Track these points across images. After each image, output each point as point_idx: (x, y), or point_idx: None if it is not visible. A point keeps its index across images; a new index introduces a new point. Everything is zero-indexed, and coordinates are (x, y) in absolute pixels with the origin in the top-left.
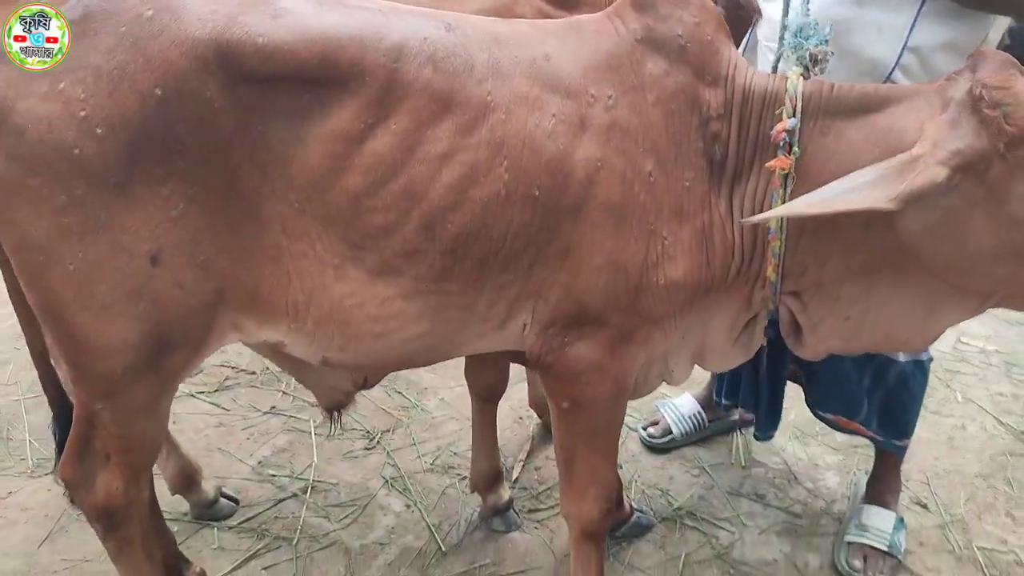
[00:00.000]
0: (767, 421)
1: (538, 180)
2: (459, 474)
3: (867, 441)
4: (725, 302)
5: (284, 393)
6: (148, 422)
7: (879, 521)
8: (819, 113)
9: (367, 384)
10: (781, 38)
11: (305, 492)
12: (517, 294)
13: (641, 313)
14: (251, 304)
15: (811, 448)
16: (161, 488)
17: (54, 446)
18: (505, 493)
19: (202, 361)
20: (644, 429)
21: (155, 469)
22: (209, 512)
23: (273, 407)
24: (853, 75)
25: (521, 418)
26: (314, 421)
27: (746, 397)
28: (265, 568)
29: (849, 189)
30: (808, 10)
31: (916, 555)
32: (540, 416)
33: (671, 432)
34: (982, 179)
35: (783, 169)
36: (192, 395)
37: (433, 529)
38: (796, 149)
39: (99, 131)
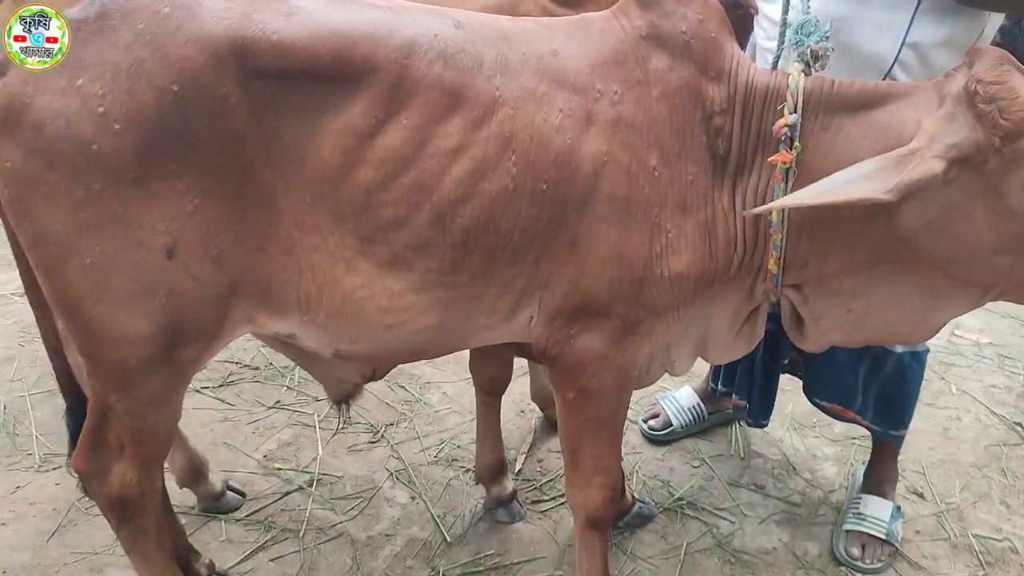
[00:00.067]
0: (760, 409)
1: (546, 174)
2: (463, 466)
3: (864, 432)
4: (727, 294)
5: (288, 388)
6: (162, 414)
7: (877, 510)
8: (820, 109)
9: (375, 376)
10: (781, 35)
11: (311, 485)
12: (524, 287)
13: (645, 305)
14: (264, 297)
15: (809, 439)
16: (169, 482)
17: (65, 439)
18: (509, 484)
19: (215, 354)
20: (644, 421)
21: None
22: (216, 505)
23: (278, 402)
24: (853, 71)
25: (523, 411)
26: (318, 415)
27: (741, 384)
28: (272, 560)
29: (848, 181)
30: (808, 7)
31: (913, 543)
32: (542, 409)
33: (671, 424)
34: (979, 173)
35: (785, 163)
36: (197, 390)
37: (438, 520)
38: (797, 144)
39: (117, 127)
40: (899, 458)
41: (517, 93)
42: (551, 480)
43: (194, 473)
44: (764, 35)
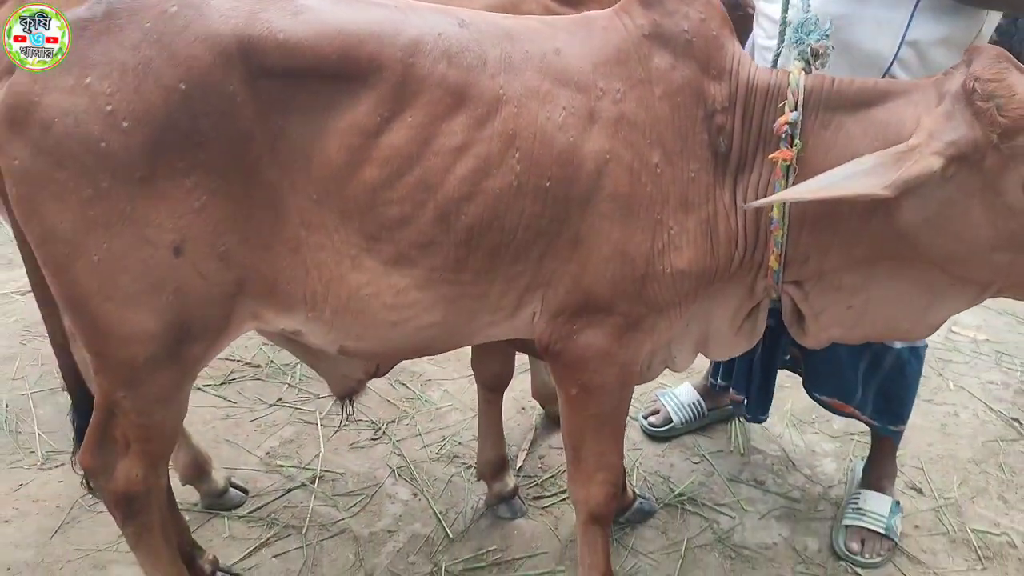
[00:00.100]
0: (758, 404)
1: (549, 171)
2: (464, 463)
3: (863, 428)
4: (728, 291)
5: (289, 386)
6: (168, 411)
7: (876, 505)
8: (820, 107)
9: (379, 372)
10: (781, 34)
11: (313, 482)
12: (528, 284)
13: (648, 301)
14: (270, 294)
15: (808, 436)
16: (172, 479)
17: (68, 437)
18: (510, 481)
19: (221, 351)
20: (645, 418)
21: None
22: (219, 502)
23: (279, 399)
24: (852, 69)
25: (524, 408)
26: (320, 413)
27: (739, 379)
28: (275, 556)
29: (846, 176)
30: (808, 6)
31: (912, 538)
32: (543, 406)
33: (671, 421)
34: (978, 170)
35: (785, 160)
36: (199, 388)
37: (440, 517)
38: (798, 141)
39: (125, 125)
40: (898, 454)
41: (521, 91)
42: (552, 476)
43: (197, 470)
44: (764, 34)
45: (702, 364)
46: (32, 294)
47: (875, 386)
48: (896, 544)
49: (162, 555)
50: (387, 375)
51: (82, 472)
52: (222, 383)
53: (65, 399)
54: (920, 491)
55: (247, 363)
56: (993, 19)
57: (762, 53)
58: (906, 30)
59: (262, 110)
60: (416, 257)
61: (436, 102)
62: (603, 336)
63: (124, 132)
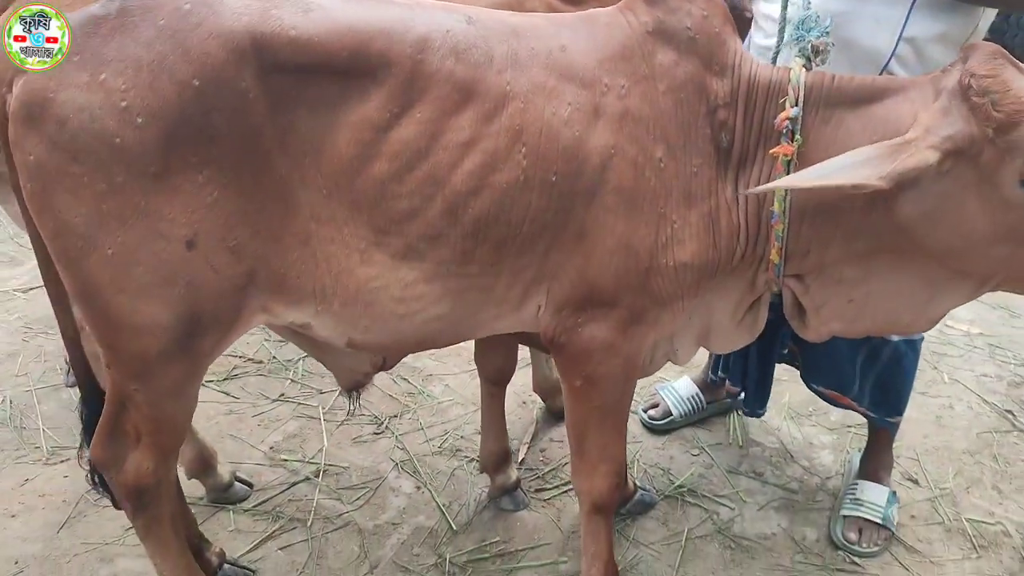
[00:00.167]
0: (755, 398)
1: (555, 166)
2: (466, 456)
3: (860, 420)
4: (730, 284)
5: (292, 381)
6: (179, 403)
7: (873, 495)
8: (820, 103)
9: (385, 365)
10: (781, 31)
11: (317, 476)
12: (533, 277)
13: (651, 294)
14: (280, 287)
15: (806, 428)
16: (178, 472)
17: (72, 433)
18: (513, 473)
19: (231, 343)
20: (645, 411)
21: None
22: (224, 496)
23: (282, 395)
24: (851, 66)
25: (525, 402)
26: (323, 408)
27: (735, 371)
28: (281, 549)
29: (843, 166)
30: (809, 3)
31: (908, 527)
32: (544, 400)
33: (671, 414)
34: (974, 164)
35: (786, 155)
36: (202, 384)
37: (444, 509)
38: (799, 137)
39: (139, 120)
40: (894, 445)
41: (527, 87)
42: (554, 469)
43: (203, 464)
44: (763, 34)
45: (701, 358)
46: (34, 292)
47: (872, 378)
48: (893, 534)
49: (171, 547)
50: (389, 370)
51: (87, 467)
52: (225, 379)
53: (68, 395)
54: (916, 482)
55: (250, 359)
56: (989, 16)
57: (761, 53)
58: (904, 27)
59: (273, 106)
60: (424, 250)
61: (444, 98)
62: (607, 328)
63: (138, 127)
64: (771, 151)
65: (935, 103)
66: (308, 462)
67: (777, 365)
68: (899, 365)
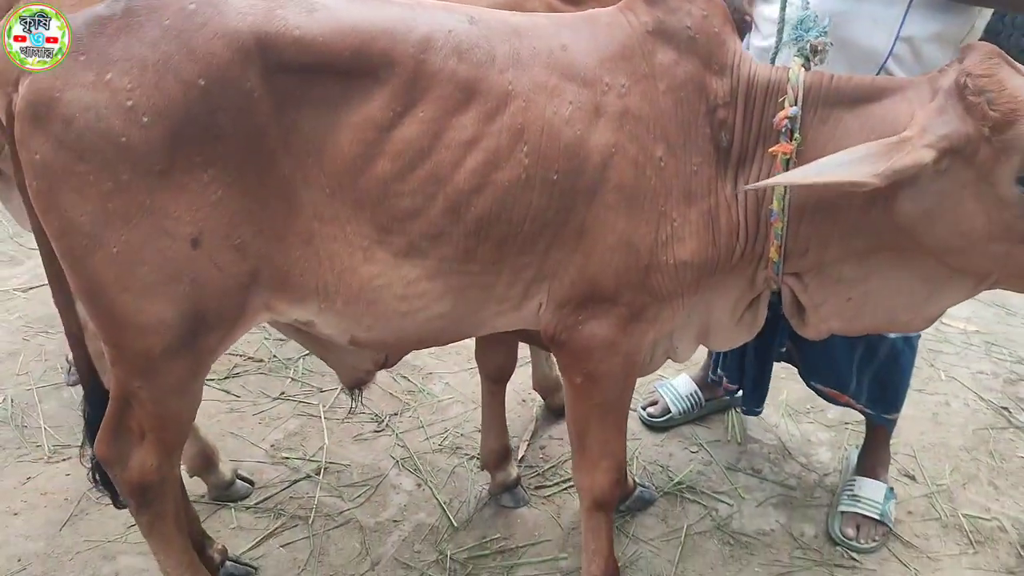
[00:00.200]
0: (752, 397)
1: (556, 164)
2: (467, 454)
3: (857, 418)
4: (730, 282)
5: (292, 379)
6: (183, 400)
7: (870, 492)
8: (819, 102)
9: (387, 363)
10: (780, 32)
11: (318, 473)
12: (534, 275)
13: (651, 292)
14: (283, 285)
15: (803, 425)
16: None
17: (74, 431)
18: (513, 470)
19: (235, 341)
20: (643, 409)
21: None
22: (226, 493)
23: (282, 393)
24: (848, 65)
25: (525, 400)
26: (323, 406)
27: (732, 370)
28: (283, 546)
29: (839, 164)
30: (807, 3)
31: (905, 523)
32: (543, 398)
33: (669, 411)
34: (971, 163)
35: (785, 154)
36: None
37: (444, 506)
38: (797, 135)
39: (145, 119)
40: (891, 442)
41: (528, 86)
42: (553, 466)
43: (205, 462)
44: (760, 36)
45: (699, 355)
46: (34, 291)
47: (870, 375)
48: (890, 529)
49: (175, 543)
50: (389, 369)
51: (89, 465)
52: (226, 377)
53: (70, 394)
54: (913, 478)
55: (250, 358)
56: (985, 15)
57: (759, 54)
58: (901, 26)
59: (278, 105)
60: (426, 248)
61: (447, 97)
62: (608, 326)
63: (144, 127)
64: (770, 149)
65: (932, 103)
66: (309, 460)
67: (775, 363)
68: (896, 362)
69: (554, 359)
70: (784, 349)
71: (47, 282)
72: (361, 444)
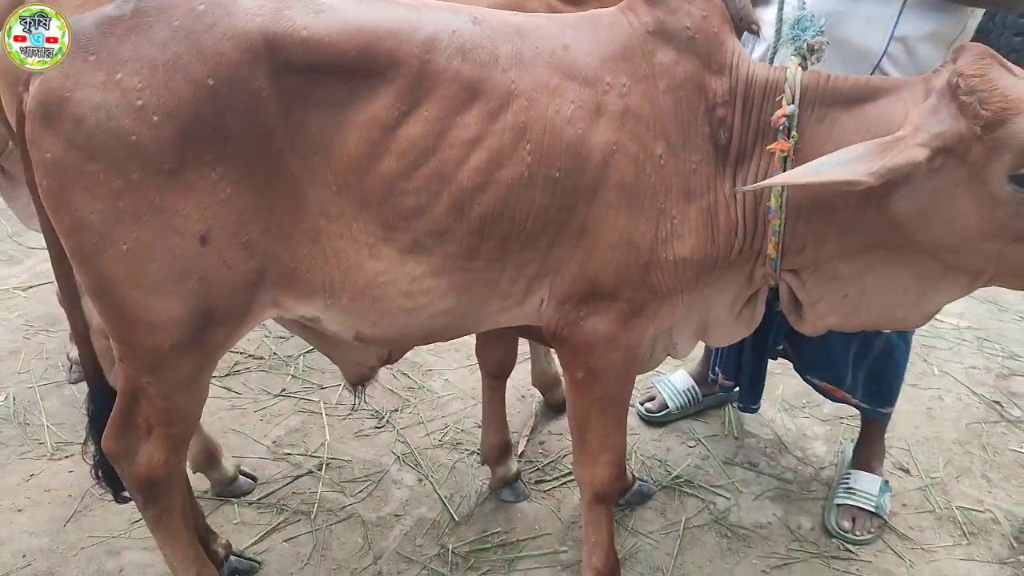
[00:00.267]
0: (749, 394)
1: (559, 163)
2: (467, 449)
3: (852, 412)
4: (728, 279)
5: (293, 376)
6: (190, 396)
7: (866, 485)
8: (816, 101)
9: (391, 359)
10: (778, 31)
11: (320, 469)
12: (536, 271)
13: (651, 288)
14: (290, 282)
15: (799, 420)
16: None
17: (76, 428)
18: (514, 465)
19: (242, 337)
20: (642, 404)
21: None
22: (229, 489)
23: (283, 390)
24: (843, 64)
25: (524, 396)
26: (324, 402)
27: (728, 366)
28: (286, 541)
29: (835, 163)
30: (804, 3)
31: (900, 516)
32: (543, 394)
33: (667, 406)
34: (963, 161)
35: (783, 152)
36: None
37: (445, 501)
38: (795, 134)
39: (155, 119)
40: (886, 436)
41: (531, 86)
42: (553, 461)
43: (208, 458)
44: (759, 39)
45: (697, 351)
46: (34, 289)
47: (865, 369)
48: (885, 522)
49: (181, 538)
50: (389, 366)
51: (91, 462)
52: (227, 374)
53: (71, 392)
54: (907, 471)
55: (251, 355)
56: (978, 15)
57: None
58: (895, 26)
59: (285, 105)
60: (431, 245)
61: (451, 96)
62: (608, 322)
63: (154, 126)
64: (768, 147)
65: (925, 102)
66: (311, 456)
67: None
68: (891, 357)
69: (553, 355)
70: (780, 347)
71: (47, 281)
72: (362, 440)
